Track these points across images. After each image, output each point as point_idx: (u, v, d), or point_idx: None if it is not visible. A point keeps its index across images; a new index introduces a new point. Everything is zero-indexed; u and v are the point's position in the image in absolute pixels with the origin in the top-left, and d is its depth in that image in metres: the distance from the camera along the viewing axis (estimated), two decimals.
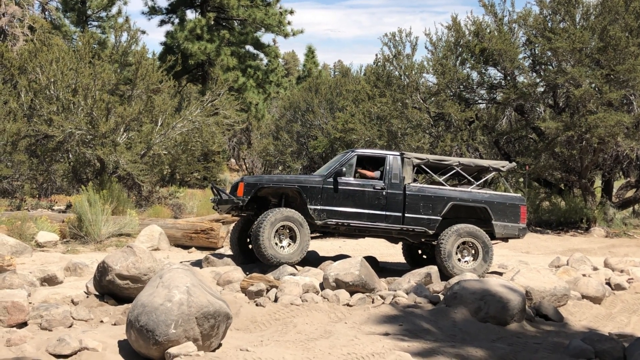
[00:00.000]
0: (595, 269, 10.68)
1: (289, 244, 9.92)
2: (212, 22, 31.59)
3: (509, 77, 19.98)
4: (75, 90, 17.73)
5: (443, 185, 10.87)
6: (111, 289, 7.75)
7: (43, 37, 24.53)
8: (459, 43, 20.56)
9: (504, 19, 19.98)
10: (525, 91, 18.98)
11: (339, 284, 8.27)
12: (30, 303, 7.33)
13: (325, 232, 10.92)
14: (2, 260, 9.58)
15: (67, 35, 35.25)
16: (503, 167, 11.25)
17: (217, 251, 12.14)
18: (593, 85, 17.96)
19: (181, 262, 10.53)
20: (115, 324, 6.94)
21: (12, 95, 19.94)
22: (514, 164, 12.21)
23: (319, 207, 10.17)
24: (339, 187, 10.29)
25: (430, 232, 10.40)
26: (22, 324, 6.72)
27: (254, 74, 33.52)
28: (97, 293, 7.93)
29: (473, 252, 10.33)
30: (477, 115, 20.84)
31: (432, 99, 20.96)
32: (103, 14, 35.69)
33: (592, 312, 8.56)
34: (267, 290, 8.22)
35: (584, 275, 9.92)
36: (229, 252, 11.42)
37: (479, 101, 21.59)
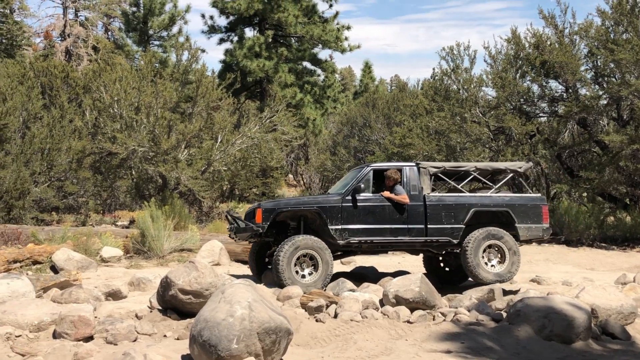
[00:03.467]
0: None
1: (311, 273, 9.82)
2: (270, 40, 32.00)
3: (570, 90, 19.57)
4: (138, 109, 18.17)
5: (462, 192, 10.65)
6: (174, 304, 7.86)
7: (106, 57, 25.29)
8: (518, 56, 20.26)
9: (565, 31, 19.61)
10: (587, 104, 18.55)
11: (399, 301, 8.20)
12: (95, 317, 7.46)
13: (347, 250, 10.76)
14: (68, 275, 9.83)
15: (129, 54, 36.25)
16: (520, 168, 10.98)
17: None
18: None
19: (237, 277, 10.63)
20: (178, 339, 7.02)
21: (77, 114, 20.59)
22: (530, 164, 11.80)
23: (339, 227, 10.03)
24: (358, 204, 10.13)
25: (455, 241, 10.20)
26: (89, 338, 6.85)
27: (311, 90, 33.77)
28: (160, 308, 8.05)
29: (499, 255, 10.12)
30: (538, 128, 20.45)
31: (492, 112, 20.68)
32: (164, 33, 36.65)
33: None
34: (327, 306, 8.20)
35: None
36: None
37: (540, 114, 21.19)
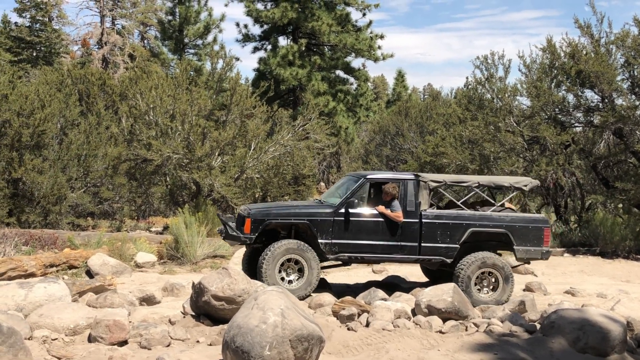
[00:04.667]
0: None
1: (298, 278, 9.67)
2: (304, 48, 32.17)
3: (606, 100, 19.32)
4: (173, 116, 18.38)
5: (462, 208, 10.38)
6: (207, 310, 7.93)
7: (142, 65, 25.58)
8: (554, 65, 20.07)
9: (601, 40, 19.37)
10: (624, 114, 18.29)
11: (431, 310, 8.18)
12: (130, 322, 7.56)
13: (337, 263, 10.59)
14: (103, 280, 9.98)
15: (165, 62, 36.70)
16: (525, 185, 10.63)
17: None
18: None
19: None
20: (211, 344, 7.08)
21: (114, 121, 20.91)
22: (537, 181, 11.28)
23: (330, 241, 9.80)
24: (351, 218, 9.86)
25: (448, 260, 10.01)
26: (123, 342, 6.95)
27: (344, 98, 33.83)
28: (193, 313, 8.14)
29: (493, 280, 9.91)
30: (574, 138, 20.22)
31: (526, 122, 20.49)
32: (199, 41, 37.04)
33: None
34: (359, 315, 8.22)
35: None
36: (320, 276, 11.44)
37: (575, 124, 20.94)
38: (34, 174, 16.48)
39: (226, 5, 37.69)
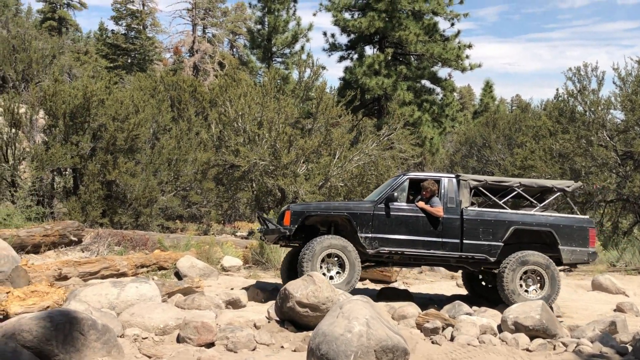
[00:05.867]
0: None
1: (338, 272, 9.49)
2: (390, 58, 32.09)
3: None
4: (260, 123, 18.71)
5: (503, 208, 10.10)
6: (291, 316, 8.03)
7: (232, 73, 26.14)
8: None
9: None
10: None
11: (518, 327, 8.02)
12: (217, 324, 7.75)
13: (378, 261, 10.33)
14: (191, 282, 10.24)
15: (253, 70, 37.38)
16: (568, 187, 10.33)
17: (390, 285, 12.21)
18: None
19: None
20: (295, 351, 7.16)
21: (203, 127, 21.49)
22: (579, 183, 11.01)
23: (370, 235, 9.67)
24: (391, 213, 9.75)
25: (492, 259, 9.71)
26: (210, 344, 7.11)
27: (430, 108, 33.53)
28: (277, 319, 8.24)
29: (539, 279, 9.58)
30: None
31: (620, 136, 19.82)
32: (287, 50, 37.52)
33: None
34: (443, 328, 8.14)
35: None
36: (403, 287, 11.41)
37: None
38: (127, 177, 17.10)
39: (314, 14, 38.15)
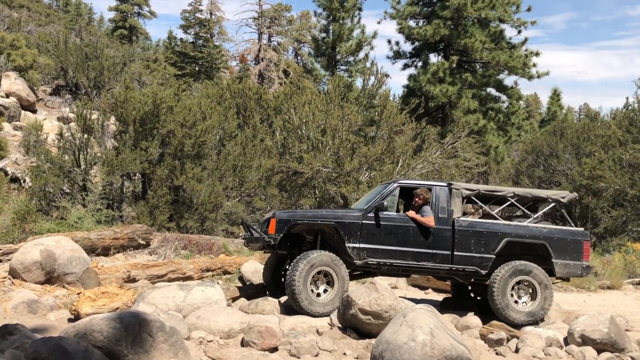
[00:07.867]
0: None
1: (326, 290, 9.16)
2: (455, 65, 31.80)
3: None
4: (324, 131, 18.83)
5: (496, 218, 9.81)
6: (353, 323, 8.09)
7: (296, 81, 26.35)
8: None
9: None
10: None
11: (585, 340, 7.87)
12: (280, 329, 7.86)
13: (366, 271, 10.03)
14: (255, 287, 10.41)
15: (317, 78, 37.56)
16: (563, 197, 9.99)
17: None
18: None
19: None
20: (357, 358, 7.20)
21: (268, 134, 21.74)
22: (575, 194, 10.54)
23: (358, 245, 9.38)
24: (380, 222, 9.44)
25: (483, 271, 9.42)
26: (273, 349, 7.22)
27: (495, 117, 33.03)
28: (339, 325, 8.32)
29: (530, 291, 9.23)
30: None
31: None
32: (350, 58, 37.58)
33: None
34: (508, 340, 8.06)
35: None
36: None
37: None
38: (194, 182, 17.45)
39: (379, 22, 38.27)
